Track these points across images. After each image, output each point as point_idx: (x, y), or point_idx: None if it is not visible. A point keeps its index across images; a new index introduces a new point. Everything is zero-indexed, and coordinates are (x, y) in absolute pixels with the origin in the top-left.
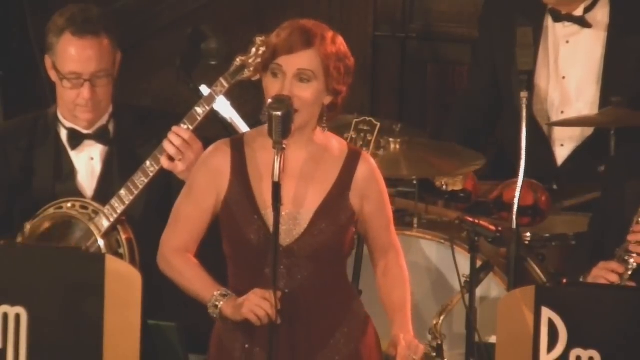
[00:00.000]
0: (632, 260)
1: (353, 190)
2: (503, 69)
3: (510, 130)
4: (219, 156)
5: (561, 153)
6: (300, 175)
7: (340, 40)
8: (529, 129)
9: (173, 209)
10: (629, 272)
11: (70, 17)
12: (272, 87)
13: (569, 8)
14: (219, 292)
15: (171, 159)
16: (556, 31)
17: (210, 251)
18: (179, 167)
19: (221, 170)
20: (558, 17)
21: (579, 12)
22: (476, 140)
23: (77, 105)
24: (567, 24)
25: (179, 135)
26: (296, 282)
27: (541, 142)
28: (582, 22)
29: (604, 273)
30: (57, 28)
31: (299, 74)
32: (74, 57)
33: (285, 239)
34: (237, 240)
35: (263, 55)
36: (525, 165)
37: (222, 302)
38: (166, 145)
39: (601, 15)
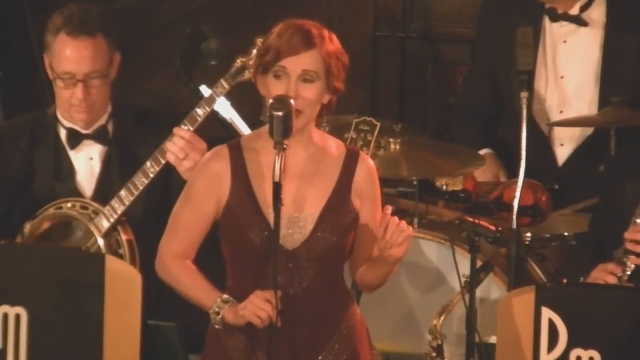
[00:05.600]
0: (629, 262)
1: (353, 191)
2: (502, 69)
3: (510, 131)
4: (218, 161)
5: (561, 153)
6: (300, 176)
7: (335, 38)
8: (528, 129)
9: (171, 215)
10: (627, 274)
11: (67, 17)
12: (276, 89)
13: (564, 7)
14: (220, 299)
15: None
16: (553, 31)
17: (208, 255)
18: (184, 165)
19: (221, 175)
20: (555, 17)
21: (574, 10)
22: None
23: (71, 105)
24: (563, 23)
25: (181, 136)
26: (299, 285)
27: (541, 142)
28: (579, 21)
29: (602, 275)
30: (54, 27)
31: (303, 74)
32: (68, 57)
33: (290, 243)
34: (240, 243)
35: (263, 57)
36: (526, 166)
37: (224, 309)
38: (169, 145)
39: (597, 13)
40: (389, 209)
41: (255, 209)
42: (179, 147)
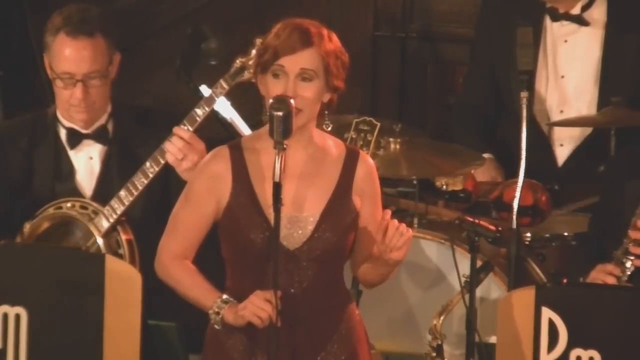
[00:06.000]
0: (629, 263)
1: (354, 190)
2: (502, 69)
3: (510, 131)
4: (219, 162)
5: (561, 153)
6: (301, 176)
7: (334, 36)
8: (529, 129)
9: (171, 216)
10: (628, 274)
11: (67, 17)
12: (275, 88)
13: (566, 6)
14: (220, 299)
15: None
16: (554, 30)
17: (208, 255)
18: (182, 166)
19: (222, 176)
20: (556, 16)
21: (576, 10)
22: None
23: (71, 105)
24: (564, 22)
25: (180, 136)
26: (299, 285)
27: (541, 142)
28: (580, 21)
29: (601, 276)
30: (54, 27)
31: (302, 73)
32: (67, 57)
33: (291, 243)
34: (241, 244)
35: (261, 56)
36: (526, 166)
37: (224, 309)
38: (168, 146)
39: (598, 13)
40: (389, 213)
41: (257, 210)
42: (178, 147)
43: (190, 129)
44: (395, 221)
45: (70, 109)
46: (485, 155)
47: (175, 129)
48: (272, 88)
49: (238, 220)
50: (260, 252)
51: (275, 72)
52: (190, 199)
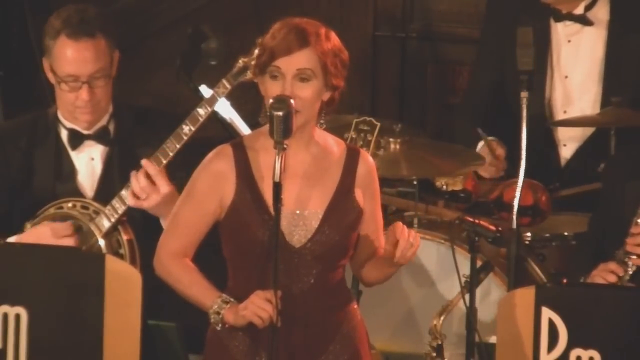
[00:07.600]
0: (631, 262)
1: (356, 187)
2: (510, 69)
3: (515, 131)
4: (223, 161)
5: (564, 153)
6: (303, 175)
7: (333, 35)
8: (535, 129)
9: (172, 213)
10: (629, 273)
11: (65, 19)
12: (273, 89)
13: (569, 7)
14: (220, 299)
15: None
16: (558, 31)
17: (208, 255)
18: (143, 205)
19: (225, 174)
20: (559, 17)
21: (579, 10)
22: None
23: (76, 107)
24: (568, 23)
25: (148, 172)
26: (302, 284)
27: (545, 143)
28: (584, 20)
29: (604, 274)
30: (53, 30)
31: (299, 74)
32: (70, 59)
33: (295, 241)
34: (245, 242)
35: (259, 58)
36: (529, 166)
37: (224, 309)
38: (132, 182)
39: (602, 13)
40: (400, 225)
41: (261, 207)
42: (141, 186)
43: (193, 128)
44: (406, 232)
45: (76, 111)
46: (490, 138)
47: (144, 162)
48: (270, 89)
49: (242, 218)
50: (263, 250)
51: (273, 73)
52: (192, 197)
